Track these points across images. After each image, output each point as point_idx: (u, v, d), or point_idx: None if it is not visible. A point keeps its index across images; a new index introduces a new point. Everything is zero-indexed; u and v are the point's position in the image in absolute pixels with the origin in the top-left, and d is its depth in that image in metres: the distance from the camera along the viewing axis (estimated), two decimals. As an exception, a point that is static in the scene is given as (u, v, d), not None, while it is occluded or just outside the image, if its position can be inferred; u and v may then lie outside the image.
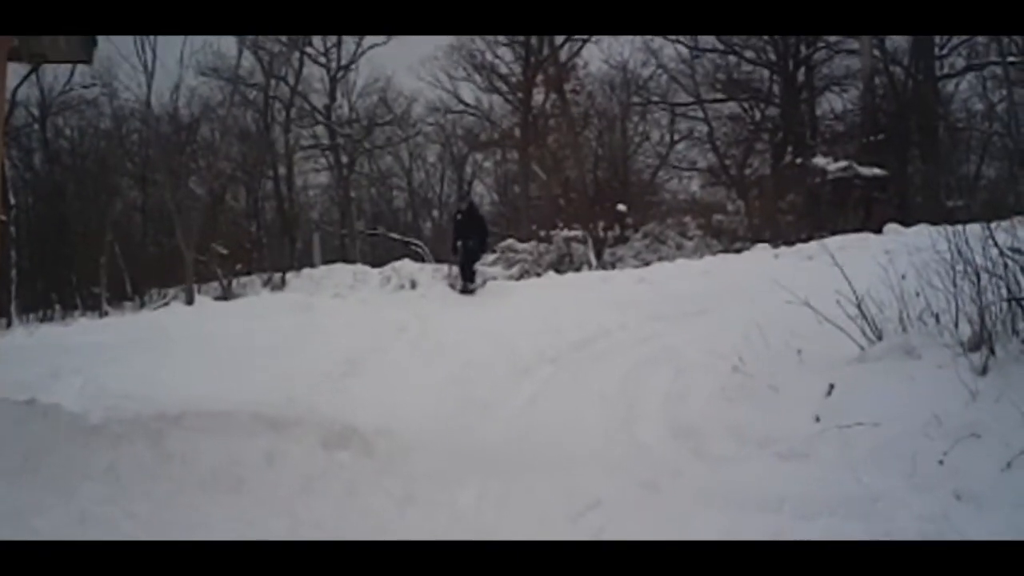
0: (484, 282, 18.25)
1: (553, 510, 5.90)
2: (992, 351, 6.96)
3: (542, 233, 26.42)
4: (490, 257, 26.23)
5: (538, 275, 22.39)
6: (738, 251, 21.79)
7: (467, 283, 17.64)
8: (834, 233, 18.57)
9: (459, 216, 18.70)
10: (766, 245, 20.92)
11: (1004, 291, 7.44)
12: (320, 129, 37.87)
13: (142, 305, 29.27)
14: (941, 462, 5.83)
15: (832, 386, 7.53)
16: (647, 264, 21.80)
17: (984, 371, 6.80)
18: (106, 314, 26.37)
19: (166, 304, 26.15)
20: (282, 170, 36.69)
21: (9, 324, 24.76)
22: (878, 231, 18.19)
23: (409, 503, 6.22)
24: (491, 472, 6.94)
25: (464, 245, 17.88)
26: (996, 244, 7.58)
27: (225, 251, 31.06)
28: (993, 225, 7.96)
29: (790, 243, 20.36)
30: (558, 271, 22.59)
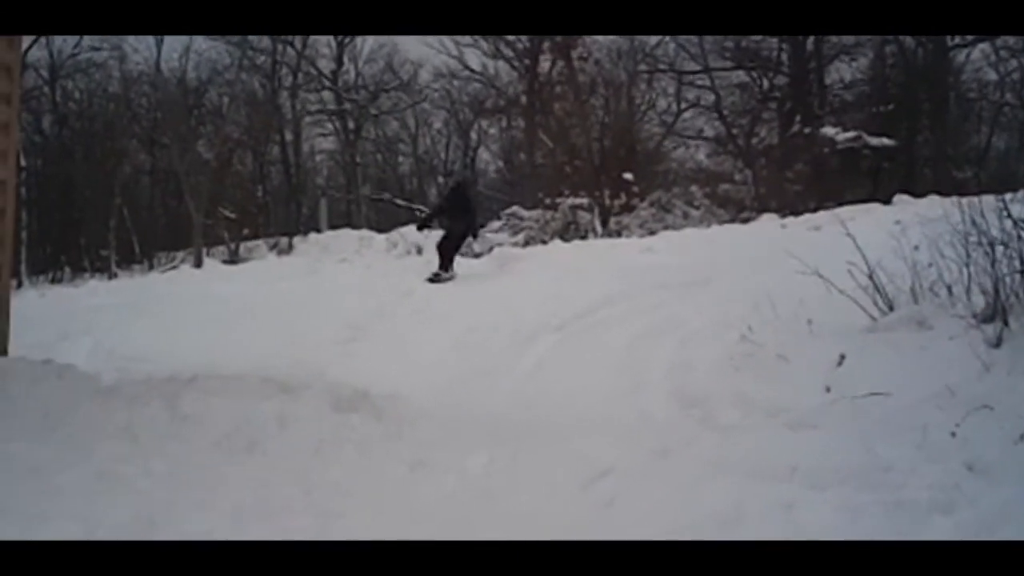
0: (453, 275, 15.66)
1: (563, 477, 5.91)
2: (1006, 323, 6.95)
3: (548, 201, 26.35)
4: (495, 224, 26.24)
5: (543, 243, 22.37)
6: (745, 221, 21.77)
7: (442, 271, 15.57)
8: (842, 203, 18.55)
9: (455, 189, 17.27)
10: (773, 215, 20.90)
11: (1018, 263, 7.43)
12: (327, 94, 37.78)
13: (150, 268, 29.32)
14: (953, 433, 5.82)
15: (843, 356, 7.53)
16: (653, 233, 21.79)
17: (998, 343, 6.79)
18: (115, 276, 26.46)
19: (174, 267, 26.23)
20: (289, 135, 36.65)
21: (19, 285, 24.82)
22: (887, 202, 18.16)
23: (420, 467, 6.24)
24: (499, 439, 6.96)
25: (453, 228, 16.03)
26: (1010, 215, 7.56)
27: (232, 215, 31.07)
28: (1007, 196, 7.95)
29: (797, 213, 20.33)
30: (564, 239, 22.58)
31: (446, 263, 15.69)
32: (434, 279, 15.35)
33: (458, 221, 16.04)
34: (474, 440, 6.96)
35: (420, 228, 17.97)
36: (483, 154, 39.85)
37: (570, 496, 5.72)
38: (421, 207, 31.62)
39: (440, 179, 38.46)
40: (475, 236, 17.73)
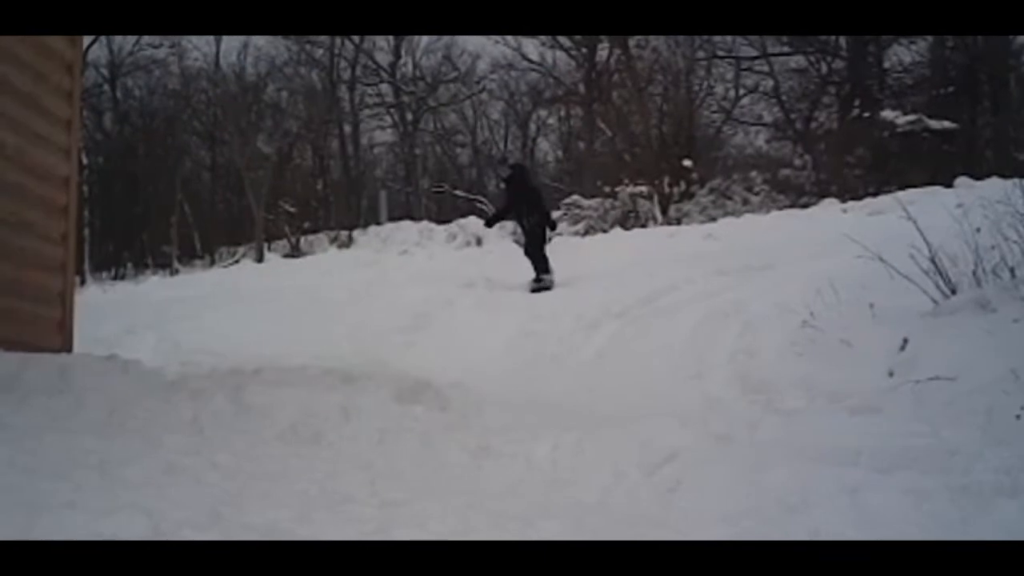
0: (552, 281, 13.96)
1: (628, 462, 5.93)
2: (1069, 305, 6.90)
3: (607, 189, 26.28)
4: (555, 214, 26.23)
5: (604, 231, 22.37)
6: (805, 206, 21.60)
7: (543, 275, 13.98)
8: (903, 187, 18.36)
9: (510, 179, 15.38)
10: (834, 200, 20.72)
11: (1081, 244, 7.37)
12: (385, 87, 38.01)
13: (212, 263, 29.67)
14: (1018, 416, 5.80)
15: (906, 340, 7.49)
16: (713, 220, 21.69)
17: (1061, 325, 6.74)
18: (177, 272, 26.76)
19: (236, 262, 26.51)
20: (347, 128, 36.90)
21: (83, 282, 25.20)
22: (948, 185, 17.96)
23: (484, 455, 6.27)
24: (563, 425, 6.98)
25: (527, 226, 14.65)
26: (1073, 196, 7.49)
27: (293, 209, 31.30)
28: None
29: (858, 198, 20.16)
30: (624, 227, 22.56)
31: (541, 266, 14.08)
32: (537, 287, 13.78)
33: (528, 215, 14.56)
34: (539, 427, 6.99)
35: (488, 225, 17.15)
36: (542, 144, 39.90)
37: (635, 481, 5.74)
38: (481, 198, 31.68)
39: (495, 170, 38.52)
40: (552, 227, 15.23)
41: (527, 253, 14.40)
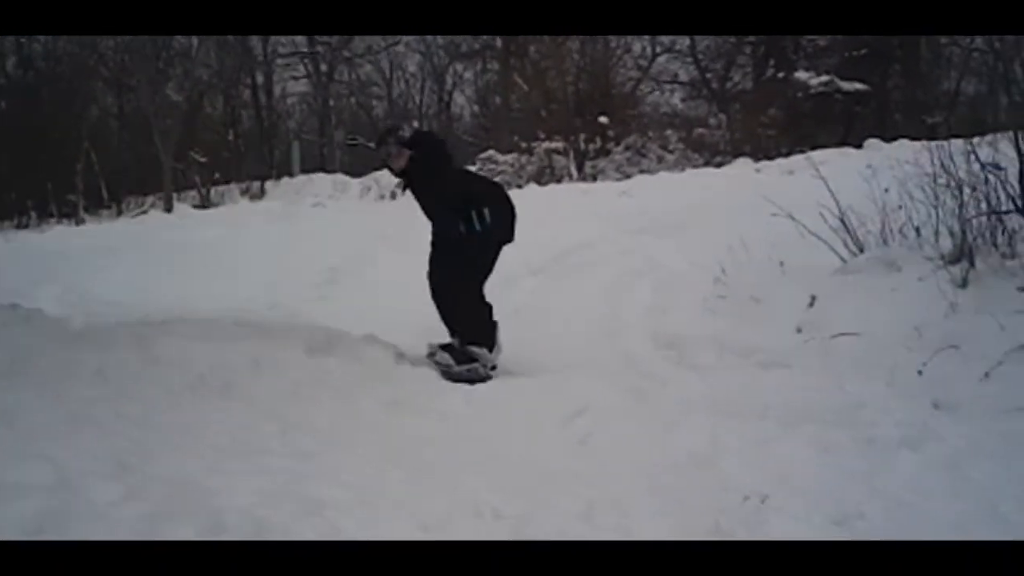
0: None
1: (542, 414, 5.98)
2: (972, 264, 7.05)
3: (523, 145, 26.25)
4: (471, 169, 26.16)
5: (519, 187, 22.34)
6: (719, 165, 21.79)
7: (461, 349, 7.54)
8: (815, 147, 18.58)
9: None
10: (747, 159, 20.93)
11: (985, 205, 7.52)
12: (299, 37, 37.41)
13: (120, 213, 29.07)
14: (920, 372, 5.95)
15: (814, 298, 7.61)
16: (628, 177, 21.78)
17: (964, 284, 6.89)
18: (83, 222, 26.20)
19: (144, 212, 25.98)
20: (260, 78, 36.32)
21: (-16, 231, 24.60)
22: (859, 146, 18.22)
23: (398, 408, 6.28)
24: (480, 381, 7.03)
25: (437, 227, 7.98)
26: (978, 159, 7.64)
27: (203, 159, 30.81)
28: (975, 140, 8.03)
29: (771, 157, 20.37)
30: (539, 183, 22.56)
31: (464, 327, 7.68)
32: (455, 374, 7.35)
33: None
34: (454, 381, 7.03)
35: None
36: (458, 98, 39.68)
37: (548, 434, 5.79)
38: (396, 152, 31.36)
39: (415, 123, 38.16)
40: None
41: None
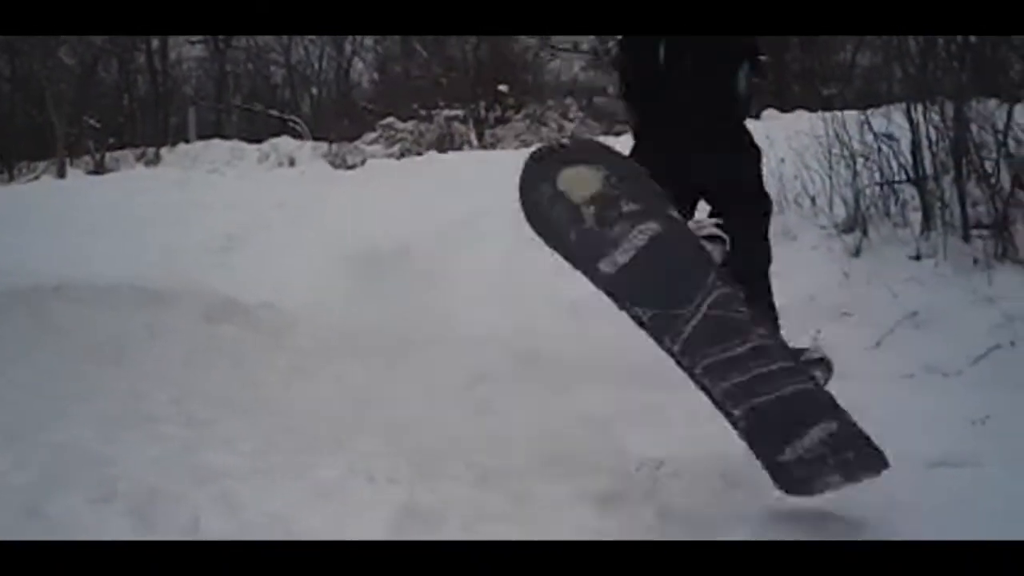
0: None
1: (441, 382, 5.99)
2: (865, 233, 7.21)
3: (423, 112, 26.16)
4: (370, 136, 26.00)
5: (419, 154, 22.24)
6: (618, 134, 21.89)
7: None
8: (713, 118, 18.73)
9: None
10: (646, 128, 21.07)
11: (878, 175, 7.68)
12: (194, -1, 36.74)
13: (11, 178, 28.35)
14: (815, 338, 6.05)
15: (710, 265, 7.70)
16: (528, 145, 21.79)
17: (857, 252, 7.05)
18: (-29, 187, 25.54)
19: (36, 177, 25.43)
20: (155, 43, 35.61)
21: None
22: (756, 116, 18.43)
23: (295, 375, 6.25)
24: (376, 348, 7.00)
25: None
26: (872, 129, 7.78)
27: (97, 124, 30.18)
28: (869, 112, 8.18)
29: (670, 127, 20.52)
30: (439, 150, 22.49)
31: None
32: None
33: None
34: (352, 349, 6.99)
35: None
36: (357, 64, 39.29)
37: (446, 401, 5.80)
38: (294, 118, 31.10)
39: (313, 90, 37.74)
40: None
41: None
